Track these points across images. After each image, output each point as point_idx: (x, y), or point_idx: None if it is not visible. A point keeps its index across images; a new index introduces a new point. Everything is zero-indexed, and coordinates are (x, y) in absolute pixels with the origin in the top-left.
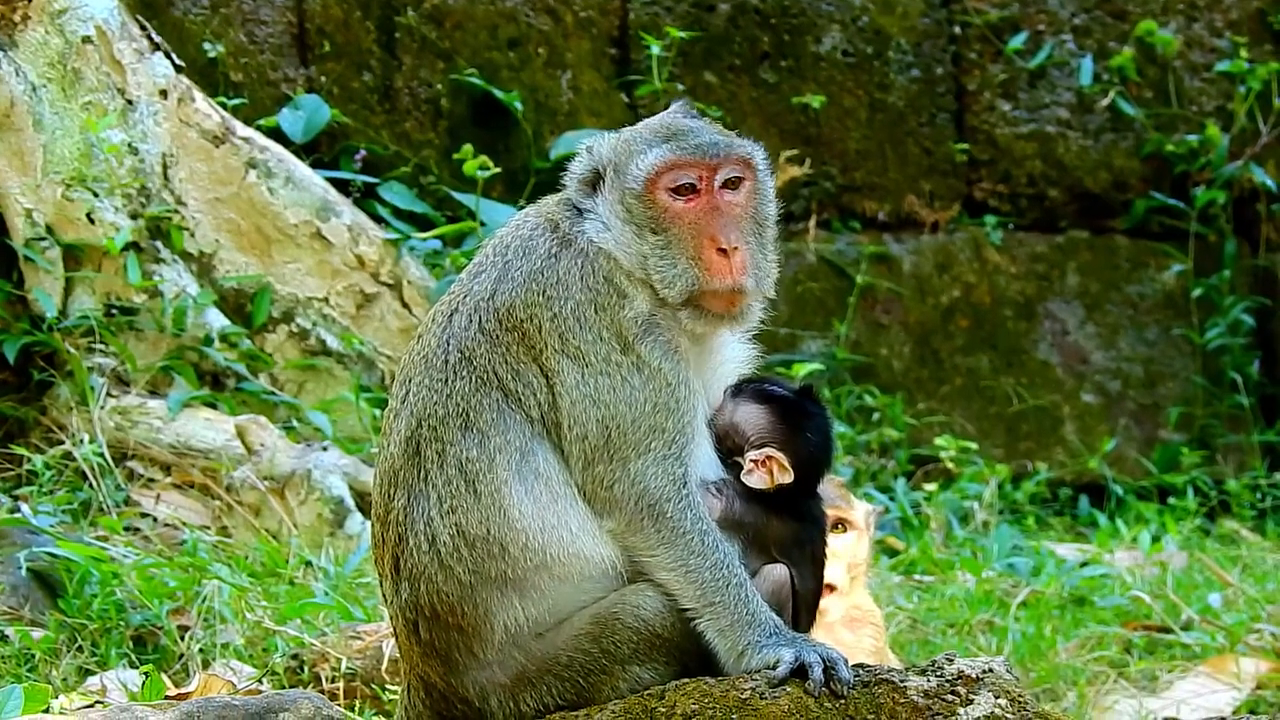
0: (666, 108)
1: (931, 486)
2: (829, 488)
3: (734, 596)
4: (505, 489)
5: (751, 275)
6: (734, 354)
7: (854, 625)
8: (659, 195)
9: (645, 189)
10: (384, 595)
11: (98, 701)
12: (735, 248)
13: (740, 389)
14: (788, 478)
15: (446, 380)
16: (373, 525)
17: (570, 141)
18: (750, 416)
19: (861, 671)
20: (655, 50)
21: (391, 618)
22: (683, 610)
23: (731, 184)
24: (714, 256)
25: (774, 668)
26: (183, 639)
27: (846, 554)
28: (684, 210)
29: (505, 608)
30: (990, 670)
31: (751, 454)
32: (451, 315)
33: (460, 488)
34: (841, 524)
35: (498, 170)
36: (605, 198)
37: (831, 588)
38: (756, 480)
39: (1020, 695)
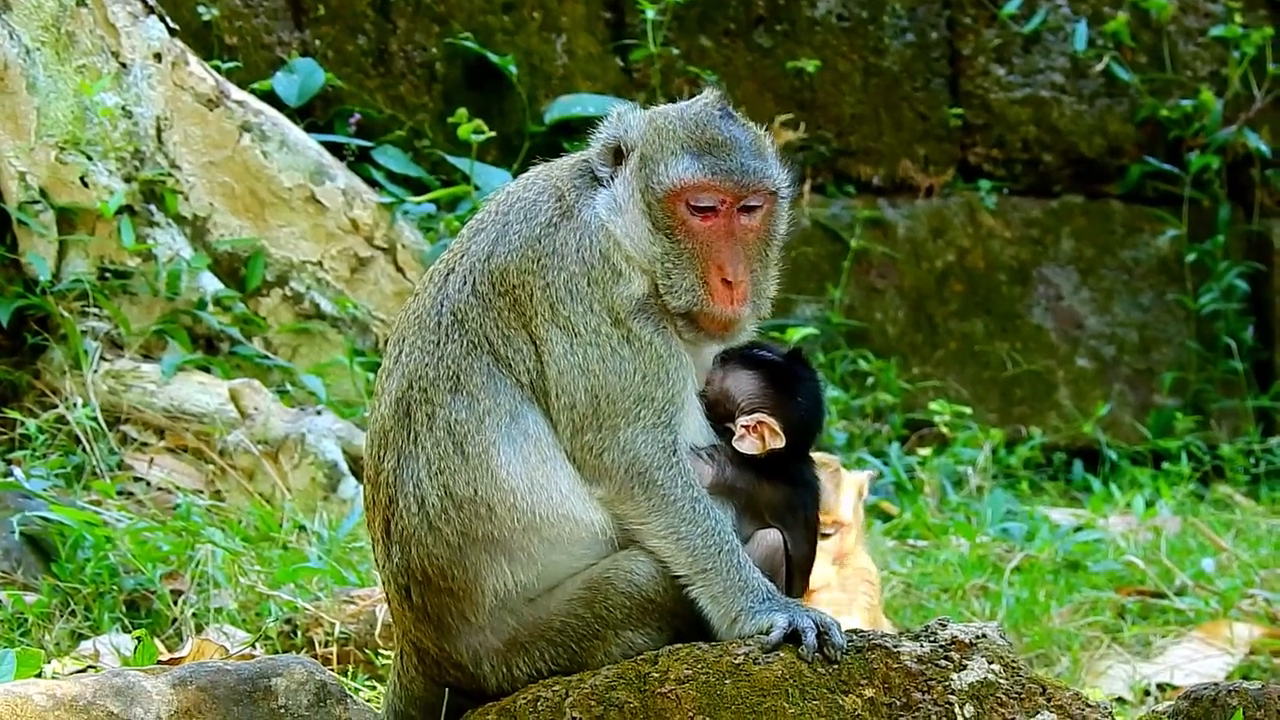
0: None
1: (926, 451)
2: (821, 477)
3: (726, 563)
4: (493, 450)
5: (750, 303)
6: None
7: (849, 583)
8: (679, 208)
9: (668, 198)
10: (376, 560)
11: (90, 666)
12: (740, 280)
13: (730, 355)
14: (779, 443)
15: (438, 342)
16: (364, 487)
17: (565, 105)
18: (741, 382)
19: (855, 637)
20: (650, 14)
21: (384, 583)
22: (676, 576)
23: (749, 210)
24: (718, 284)
25: (767, 633)
26: (176, 603)
27: (833, 551)
28: (699, 229)
29: (495, 571)
30: (984, 636)
31: (743, 420)
32: (448, 275)
33: (449, 449)
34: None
35: (492, 134)
36: (625, 178)
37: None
38: (748, 446)
39: (1013, 661)
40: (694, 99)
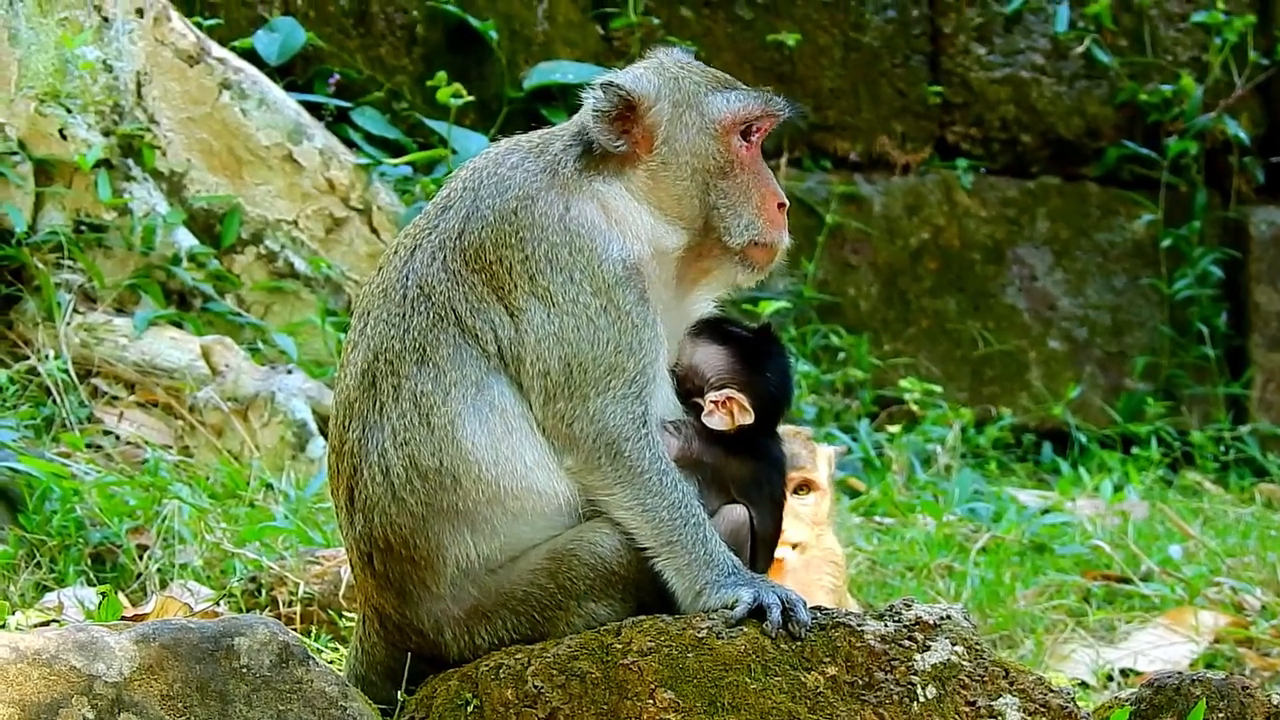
0: (643, 41)
1: (895, 428)
2: (796, 445)
3: (691, 536)
4: (459, 421)
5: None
6: (701, 311)
7: (814, 564)
8: (733, 140)
9: (723, 132)
10: (340, 526)
11: (54, 620)
12: (784, 204)
13: (699, 330)
14: (748, 418)
15: (404, 315)
16: (328, 456)
17: (544, 72)
18: (710, 358)
19: (819, 614)
20: None
21: (347, 549)
22: (640, 549)
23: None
24: (773, 209)
25: (732, 608)
26: (141, 558)
27: (808, 514)
28: (748, 160)
29: (457, 541)
30: (948, 617)
31: (711, 395)
32: (414, 250)
33: (414, 420)
34: (806, 485)
35: (471, 99)
36: (659, 136)
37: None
38: (717, 421)
39: (977, 643)
40: (661, 53)
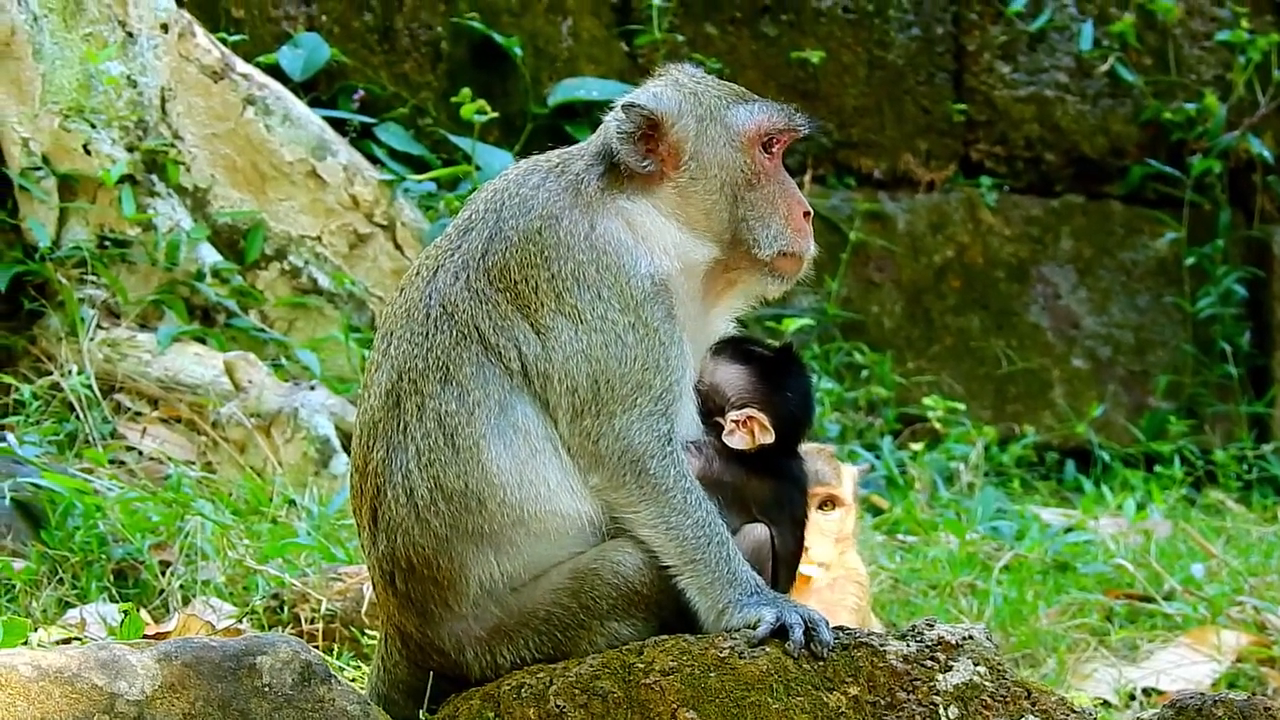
0: (666, 58)
1: (918, 446)
2: (820, 461)
3: (715, 554)
4: (483, 443)
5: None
6: (725, 328)
7: (838, 583)
8: (756, 152)
9: (748, 144)
10: (362, 545)
11: (75, 637)
12: (809, 213)
13: (721, 349)
14: (769, 438)
15: (427, 334)
16: (351, 476)
17: (568, 88)
18: (731, 377)
19: (842, 634)
20: (656, 0)
21: (369, 568)
22: (663, 567)
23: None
24: (800, 219)
25: (754, 627)
26: (164, 574)
27: (833, 530)
28: (773, 171)
29: (480, 562)
30: (970, 637)
31: (732, 414)
32: (436, 271)
33: (439, 441)
34: (830, 501)
35: (495, 115)
36: (685, 152)
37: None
38: (738, 441)
39: (999, 663)
40: (674, 69)
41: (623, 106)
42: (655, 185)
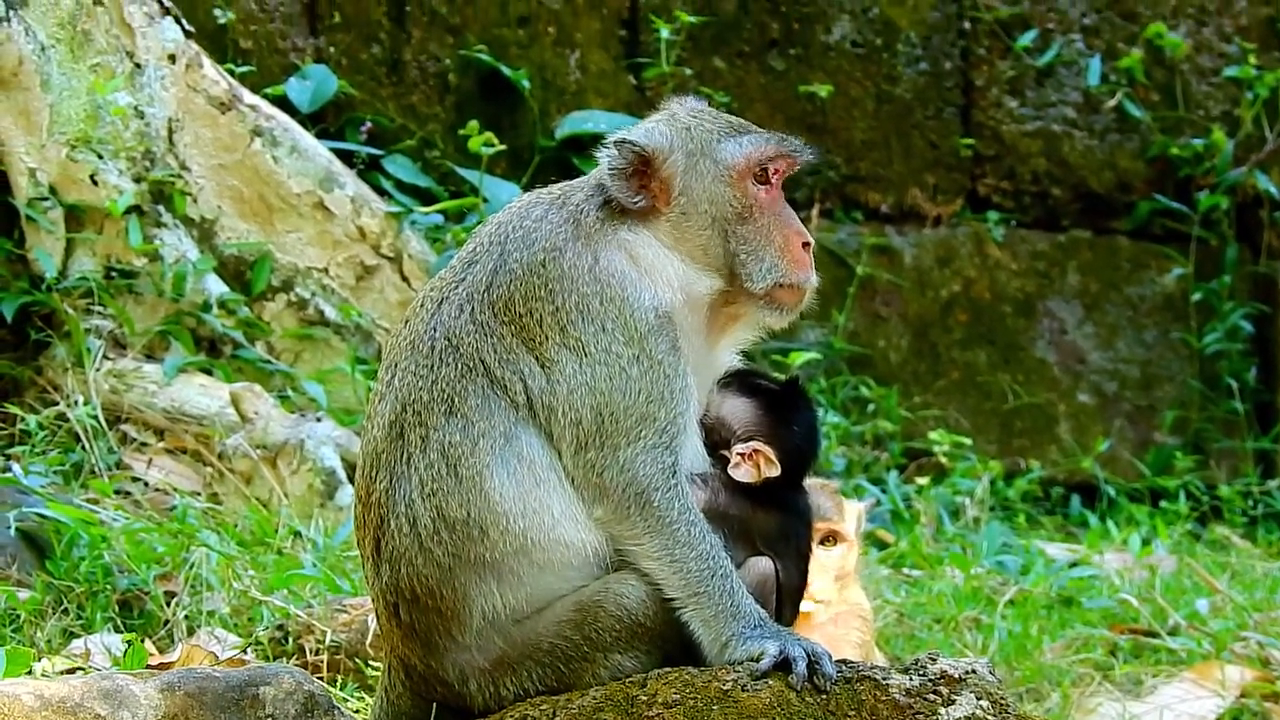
0: (674, 91)
1: (923, 480)
2: (823, 497)
3: (719, 587)
4: (487, 472)
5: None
6: (730, 360)
7: (842, 618)
8: (748, 185)
9: (738, 177)
10: (366, 576)
11: (80, 667)
12: (809, 243)
13: (727, 382)
14: (774, 471)
15: (432, 367)
16: (355, 507)
17: (576, 121)
18: (737, 410)
19: (845, 668)
20: (664, 33)
21: (373, 599)
22: (667, 599)
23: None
24: (798, 249)
25: (758, 660)
26: (169, 605)
27: (834, 566)
28: (767, 201)
29: (483, 592)
30: (973, 671)
31: (738, 447)
32: (441, 304)
33: (442, 471)
34: (832, 537)
35: (503, 147)
36: (672, 185)
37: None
38: (743, 474)
39: (1002, 697)
40: (675, 103)
41: (614, 142)
42: (652, 219)
